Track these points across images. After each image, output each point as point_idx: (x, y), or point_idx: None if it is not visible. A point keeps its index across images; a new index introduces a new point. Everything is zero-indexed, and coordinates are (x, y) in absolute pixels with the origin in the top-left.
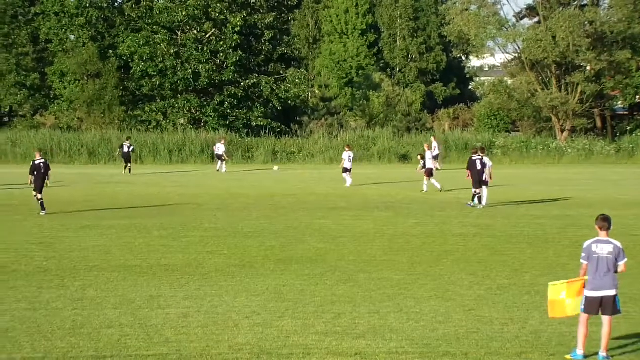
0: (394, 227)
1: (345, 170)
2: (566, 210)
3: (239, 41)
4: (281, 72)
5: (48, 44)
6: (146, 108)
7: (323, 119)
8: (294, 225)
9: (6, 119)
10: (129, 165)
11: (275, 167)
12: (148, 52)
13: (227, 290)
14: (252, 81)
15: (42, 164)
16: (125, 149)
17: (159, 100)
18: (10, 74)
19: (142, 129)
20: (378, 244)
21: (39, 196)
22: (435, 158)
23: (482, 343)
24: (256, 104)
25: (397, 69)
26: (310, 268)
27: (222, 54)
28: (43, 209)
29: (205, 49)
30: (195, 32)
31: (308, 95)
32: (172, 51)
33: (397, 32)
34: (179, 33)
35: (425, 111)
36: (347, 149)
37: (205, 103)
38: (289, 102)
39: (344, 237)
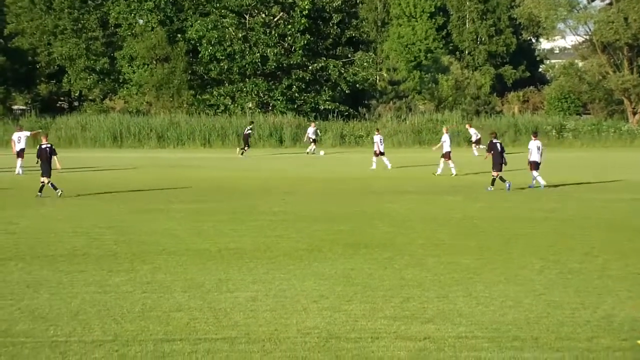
0: (462, 211)
1: (381, 153)
2: (638, 194)
3: (307, 25)
4: (349, 55)
5: (117, 29)
6: (214, 92)
7: (391, 102)
8: (362, 209)
9: (76, 103)
10: (245, 148)
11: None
12: (216, 36)
13: (296, 274)
14: (320, 65)
15: (47, 149)
16: (246, 132)
17: (227, 84)
18: (80, 58)
19: (211, 113)
20: (446, 227)
21: (45, 180)
22: (477, 143)
23: (552, 328)
24: (324, 87)
25: (466, 52)
26: (378, 252)
27: (290, 38)
28: (40, 191)
29: (273, 32)
30: (264, 15)
31: (376, 78)
32: (240, 35)
33: (466, 15)
34: (247, 17)
35: (495, 94)
36: (377, 133)
37: (273, 87)
38: (357, 85)
39: (412, 220)
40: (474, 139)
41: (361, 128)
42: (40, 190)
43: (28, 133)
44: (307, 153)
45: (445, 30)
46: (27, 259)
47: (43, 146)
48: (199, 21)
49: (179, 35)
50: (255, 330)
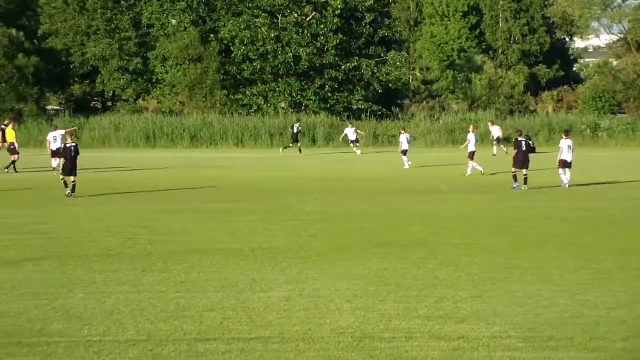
0: (496, 210)
1: (404, 152)
2: None
3: (339, 24)
4: (382, 54)
5: (150, 29)
6: (247, 92)
7: (424, 101)
8: (394, 208)
9: (109, 103)
10: (298, 144)
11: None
12: (249, 35)
13: (329, 274)
14: (352, 64)
15: (72, 148)
16: (295, 130)
17: (259, 84)
18: (113, 58)
19: (243, 112)
20: (480, 227)
21: (65, 177)
22: (498, 141)
23: (587, 327)
24: (357, 87)
25: (500, 51)
26: (412, 251)
27: (322, 37)
28: (66, 185)
29: (305, 32)
30: (296, 15)
31: (409, 77)
32: (272, 35)
33: (499, 14)
34: (280, 16)
35: (529, 93)
36: (402, 132)
37: (306, 86)
38: (390, 85)
39: (445, 220)
40: (495, 136)
41: (394, 127)
42: (72, 189)
43: (63, 131)
44: (357, 153)
45: (478, 29)
46: (61, 259)
47: (68, 145)
48: (231, 21)
49: (212, 35)
50: (288, 329)
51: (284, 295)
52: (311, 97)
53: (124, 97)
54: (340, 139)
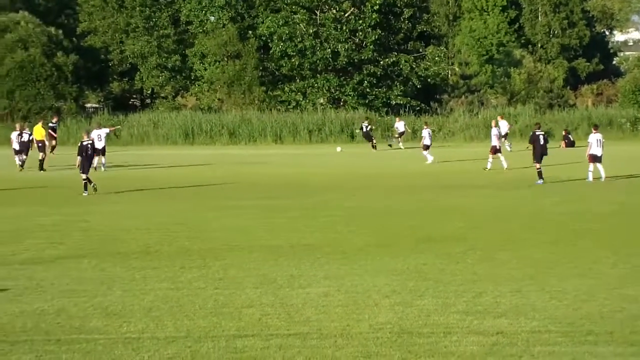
0: (533, 205)
1: (426, 147)
2: None
3: (377, 20)
4: (420, 50)
5: (188, 26)
6: (285, 88)
7: (463, 96)
8: (432, 203)
9: (148, 101)
10: (372, 142)
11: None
12: (287, 32)
13: (367, 269)
14: (391, 60)
15: (88, 145)
16: (365, 129)
17: (298, 80)
18: (152, 56)
19: (282, 109)
20: (518, 222)
21: (84, 176)
22: (505, 137)
23: (626, 322)
24: (395, 82)
25: (539, 45)
26: (450, 247)
27: (361, 33)
28: (85, 189)
29: (344, 28)
30: (334, 11)
31: (448, 73)
32: (311, 31)
33: (539, 8)
34: (318, 12)
35: (568, 87)
36: (425, 126)
37: (345, 82)
38: (429, 80)
39: (483, 215)
40: (503, 132)
41: (433, 123)
42: (85, 187)
43: (107, 130)
44: (401, 148)
45: (517, 23)
46: (100, 256)
47: (84, 142)
48: (269, 17)
49: (250, 32)
50: (327, 325)
51: (322, 291)
52: (350, 93)
53: (162, 95)
54: (395, 135)
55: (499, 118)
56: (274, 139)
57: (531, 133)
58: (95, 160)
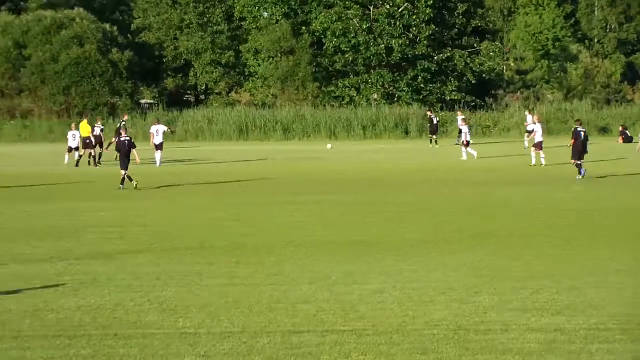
0: (588, 202)
1: (468, 143)
2: None
3: (431, 15)
4: (475, 45)
5: (242, 22)
6: (339, 84)
7: (518, 92)
8: (487, 199)
9: (202, 97)
10: (434, 137)
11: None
12: (340, 27)
13: (422, 266)
14: (445, 55)
15: (126, 142)
16: (435, 121)
17: (351, 76)
18: (206, 52)
19: (336, 104)
20: (574, 218)
21: (123, 172)
22: (530, 132)
23: None
24: (450, 77)
25: (595, 40)
26: (506, 243)
27: (414, 28)
28: (122, 183)
29: (397, 23)
30: (388, 6)
31: (503, 68)
32: (364, 26)
33: (595, 2)
34: (371, 8)
35: (625, 82)
36: (464, 123)
37: (398, 78)
38: (484, 75)
39: (538, 211)
40: (529, 128)
41: (488, 118)
42: (122, 182)
43: (165, 127)
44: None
45: (573, 18)
46: (156, 251)
47: (122, 139)
48: (323, 13)
49: (304, 28)
50: (382, 322)
51: (377, 287)
52: (404, 89)
53: (216, 91)
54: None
55: (526, 113)
56: (328, 135)
57: (572, 129)
58: (158, 154)
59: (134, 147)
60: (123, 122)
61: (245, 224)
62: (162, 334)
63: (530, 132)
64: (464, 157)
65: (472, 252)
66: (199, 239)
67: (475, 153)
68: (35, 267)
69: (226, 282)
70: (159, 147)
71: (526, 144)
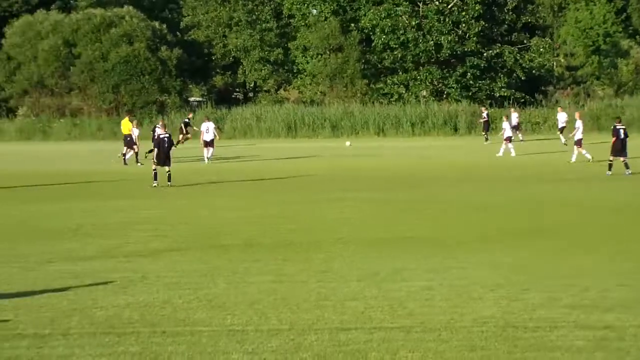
0: (634, 196)
1: (509, 139)
2: None
3: (481, 11)
4: (525, 41)
5: (291, 19)
6: (388, 81)
7: (569, 88)
8: (536, 196)
9: (251, 94)
10: (487, 134)
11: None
12: (389, 24)
13: (471, 263)
14: (495, 51)
15: (165, 138)
16: (487, 117)
17: (400, 73)
18: (255, 49)
19: (384, 101)
20: (625, 214)
21: (158, 169)
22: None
23: None
24: (499, 74)
25: None
26: (554, 239)
27: (464, 25)
28: (156, 178)
29: (447, 20)
30: (437, 3)
31: (553, 64)
32: (413, 23)
33: None
34: (421, 5)
35: None
36: (505, 119)
37: (448, 74)
38: (534, 71)
39: (586, 207)
40: (560, 125)
41: (538, 115)
42: (169, 179)
43: (214, 125)
44: (522, 141)
45: (624, 13)
46: (204, 249)
47: (162, 136)
48: (372, 10)
49: (352, 25)
50: (430, 319)
51: (425, 284)
52: (453, 85)
53: (265, 88)
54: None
55: (559, 109)
56: (377, 132)
57: (612, 127)
58: (208, 151)
59: (173, 144)
60: (187, 120)
61: (292, 220)
62: (210, 331)
63: (561, 129)
64: (501, 153)
65: (519, 249)
66: (246, 236)
67: (513, 151)
68: (84, 265)
69: (274, 279)
70: (209, 144)
71: (563, 140)
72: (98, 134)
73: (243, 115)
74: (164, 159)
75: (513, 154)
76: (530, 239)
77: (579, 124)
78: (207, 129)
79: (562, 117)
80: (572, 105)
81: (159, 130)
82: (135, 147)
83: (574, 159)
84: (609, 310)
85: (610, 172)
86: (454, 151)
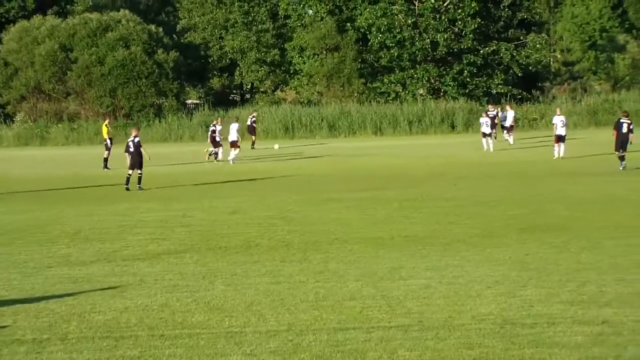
0: (635, 191)
1: (510, 128)
2: None
3: (477, 8)
4: (521, 37)
5: (287, 20)
6: (385, 79)
7: (565, 83)
8: (537, 192)
9: (248, 96)
10: (493, 131)
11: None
12: (385, 23)
13: (469, 260)
14: (491, 48)
15: (136, 143)
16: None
17: (397, 71)
18: (251, 51)
19: (381, 100)
20: (624, 209)
21: (130, 172)
22: (508, 130)
23: None
24: (496, 71)
25: None
26: (553, 236)
27: (460, 22)
28: (128, 182)
29: (443, 17)
30: (433, 1)
31: (549, 60)
32: (409, 21)
33: None
34: (417, 3)
35: None
36: (484, 115)
37: (444, 72)
38: (530, 68)
39: (588, 203)
40: (509, 121)
41: (535, 111)
42: (139, 182)
43: (220, 127)
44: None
45: (620, 8)
46: (202, 251)
47: (134, 140)
48: (368, 9)
49: (348, 24)
50: (428, 317)
51: (423, 283)
52: (450, 83)
53: (262, 89)
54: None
55: (507, 107)
56: (374, 131)
57: (616, 121)
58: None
59: (141, 146)
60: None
61: (290, 221)
62: (208, 334)
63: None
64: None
65: (517, 245)
66: (244, 238)
67: (492, 146)
68: (83, 270)
69: (272, 280)
70: (232, 144)
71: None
72: (96, 138)
73: (241, 117)
74: (133, 163)
75: (487, 148)
76: (527, 234)
77: (510, 113)
78: (233, 130)
79: (509, 115)
80: (569, 101)
81: (133, 134)
82: (107, 152)
83: (556, 154)
84: (606, 305)
85: (623, 166)
86: (451, 148)
